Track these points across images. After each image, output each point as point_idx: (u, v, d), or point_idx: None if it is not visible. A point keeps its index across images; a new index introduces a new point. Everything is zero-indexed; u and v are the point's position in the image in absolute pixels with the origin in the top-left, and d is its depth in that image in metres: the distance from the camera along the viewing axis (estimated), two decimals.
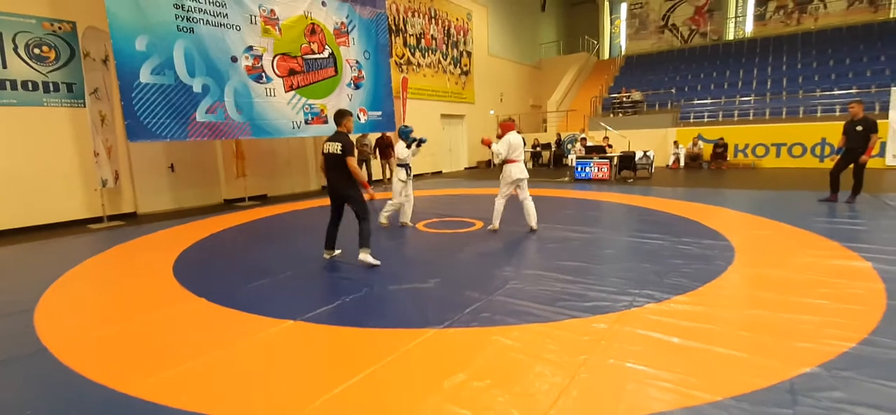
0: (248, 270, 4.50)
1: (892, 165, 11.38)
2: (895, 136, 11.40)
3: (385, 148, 11.37)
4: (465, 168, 17.08)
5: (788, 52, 17.00)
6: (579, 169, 11.62)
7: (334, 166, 4.38)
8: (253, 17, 8.35)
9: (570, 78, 20.06)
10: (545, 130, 18.29)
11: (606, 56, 23.42)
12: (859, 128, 6.54)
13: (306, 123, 9.36)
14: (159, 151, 8.90)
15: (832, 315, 2.89)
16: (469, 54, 16.85)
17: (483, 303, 3.34)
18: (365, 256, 4.41)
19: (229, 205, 9.45)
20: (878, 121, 10.48)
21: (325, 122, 9.68)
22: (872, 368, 2.26)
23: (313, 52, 9.40)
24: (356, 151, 9.15)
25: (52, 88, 7.41)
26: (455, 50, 16.15)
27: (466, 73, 16.81)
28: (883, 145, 11.47)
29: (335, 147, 4.33)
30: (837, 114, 12.73)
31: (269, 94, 8.67)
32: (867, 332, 2.64)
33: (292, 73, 9.05)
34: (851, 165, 6.72)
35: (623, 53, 22.41)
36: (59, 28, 7.42)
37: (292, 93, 9.06)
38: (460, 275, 4.13)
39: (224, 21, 7.95)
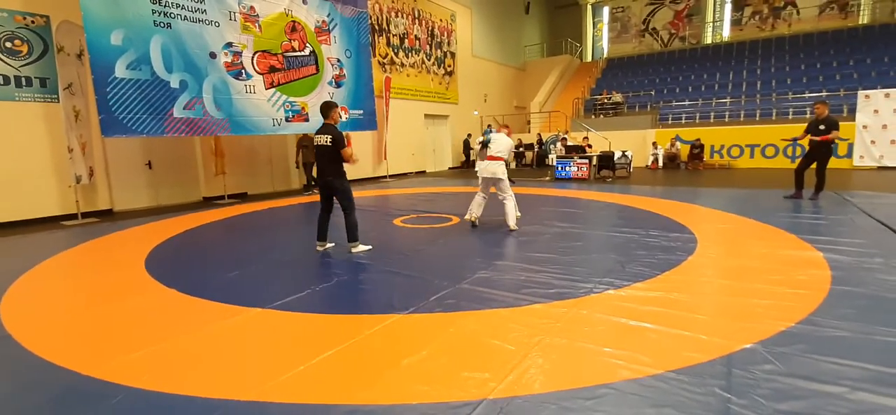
0: (221, 263, 4.53)
1: (860, 166, 11.80)
2: (862, 138, 11.83)
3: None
4: (449, 168, 17.18)
5: (763, 56, 17.49)
6: (560, 168, 11.81)
7: (323, 157, 4.56)
8: (232, 14, 8.34)
9: (553, 79, 20.33)
10: (529, 131, 18.51)
11: (589, 59, 23.79)
12: (822, 127, 6.80)
13: (287, 120, 9.35)
14: (136, 148, 8.81)
15: (778, 299, 3.04)
16: (453, 55, 16.97)
17: (450, 291, 3.42)
18: (356, 249, 4.66)
19: (208, 202, 9.39)
20: (846, 123, 10.93)
21: (307, 119, 9.69)
22: (806, 344, 2.40)
23: (294, 50, 9.41)
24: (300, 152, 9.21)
25: (24, 83, 7.30)
26: (439, 50, 16.26)
27: (450, 74, 16.92)
28: (850, 146, 11.91)
29: (325, 139, 4.48)
30: (808, 115, 13.14)
31: (248, 91, 8.65)
32: (807, 313, 2.80)
33: (273, 70, 9.04)
34: (815, 164, 6.98)
35: (605, 56, 22.79)
36: (32, 22, 7.31)
37: (273, 90, 9.05)
38: (431, 266, 4.22)
39: (202, 17, 7.92)
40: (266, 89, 8.94)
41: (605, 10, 23.27)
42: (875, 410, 1.86)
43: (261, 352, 2.58)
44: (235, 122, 8.50)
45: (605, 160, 11.78)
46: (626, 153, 12.35)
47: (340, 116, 10.35)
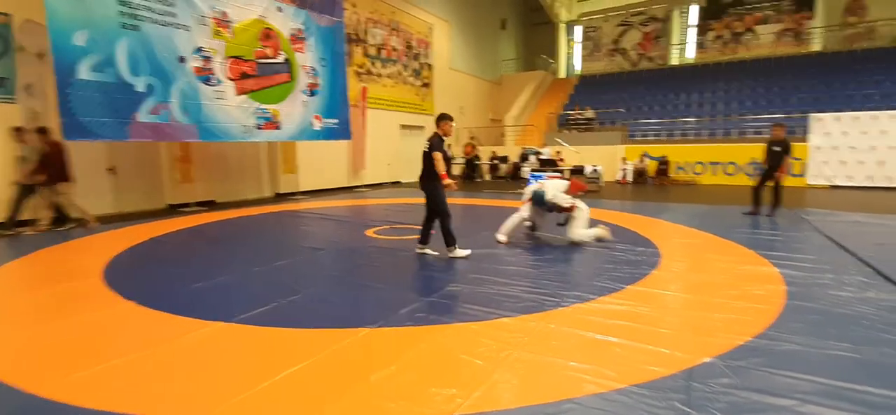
0: (184, 274, 4.37)
1: (813, 185, 12.45)
2: (814, 158, 12.50)
3: (55, 165, 6.73)
4: None
5: (725, 78, 18.32)
6: (532, 181, 11.97)
7: (423, 164, 4.87)
8: (203, 18, 8.16)
9: (527, 94, 20.71)
10: (503, 143, 18.75)
11: (563, 75, 24.35)
12: (777, 148, 7.17)
13: (258, 127, 9.16)
14: (99, 153, 8.45)
15: (737, 313, 3.17)
16: (430, 67, 17.07)
17: (420, 304, 3.41)
18: (452, 254, 4.84)
19: (174, 210, 9.08)
20: (799, 144, 11.55)
21: (278, 127, 9.53)
22: (762, 358, 2.51)
23: (267, 57, 9.26)
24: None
25: None
26: (416, 62, 16.33)
27: (427, 86, 17.00)
28: (804, 166, 12.57)
29: (426, 146, 4.81)
30: (765, 135, 13.81)
31: (218, 96, 8.45)
32: (763, 328, 2.92)
33: (244, 76, 8.87)
34: (771, 182, 7.33)
35: (578, 73, 23.39)
36: None
37: (244, 97, 8.87)
38: (402, 279, 4.20)
39: (172, 20, 7.71)
40: (237, 96, 8.76)
41: (578, 29, 23.92)
42: None
43: (223, 369, 2.50)
44: (204, 128, 8.27)
45: (576, 174, 12.04)
46: (596, 168, 12.67)
47: (313, 124, 10.25)
